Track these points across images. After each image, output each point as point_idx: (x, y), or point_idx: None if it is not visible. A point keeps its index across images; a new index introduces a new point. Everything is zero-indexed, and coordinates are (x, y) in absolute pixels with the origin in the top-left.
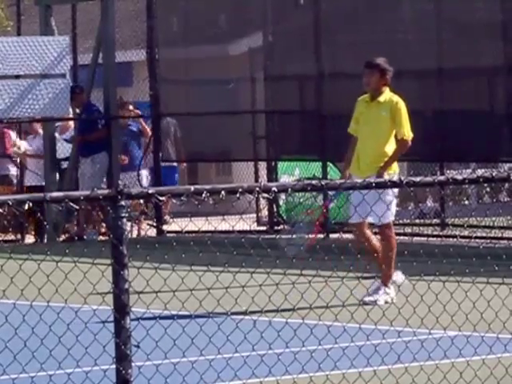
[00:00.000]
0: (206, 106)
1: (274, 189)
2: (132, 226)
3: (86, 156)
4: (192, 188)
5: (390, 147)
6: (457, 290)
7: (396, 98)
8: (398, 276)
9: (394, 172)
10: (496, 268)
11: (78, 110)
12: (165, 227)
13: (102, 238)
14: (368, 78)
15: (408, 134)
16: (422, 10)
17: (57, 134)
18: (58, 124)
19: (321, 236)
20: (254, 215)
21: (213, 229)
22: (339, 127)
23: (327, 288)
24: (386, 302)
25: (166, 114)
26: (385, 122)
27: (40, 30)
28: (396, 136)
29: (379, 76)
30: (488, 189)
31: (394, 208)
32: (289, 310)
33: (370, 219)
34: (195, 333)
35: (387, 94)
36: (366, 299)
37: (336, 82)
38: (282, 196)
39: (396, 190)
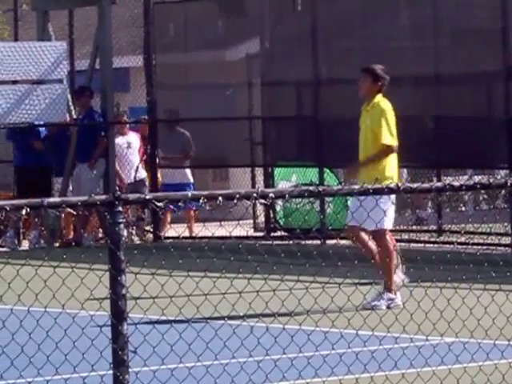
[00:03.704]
0: (203, 112)
1: (272, 195)
2: (130, 233)
3: (84, 161)
4: (189, 194)
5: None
6: (454, 297)
7: (382, 106)
8: (397, 277)
9: (392, 179)
10: (493, 274)
11: (74, 113)
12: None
13: (99, 243)
14: (361, 83)
15: (384, 138)
16: (419, 16)
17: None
18: None
19: None
20: (251, 221)
21: (210, 234)
22: (336, 133)
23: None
24: (388, 308)
25: (162, 120)
26: (369, 131)
27: (37, 35)
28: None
29: (371, 81)
30: (485, 195)
31: (391, 215)
32: (286, 315)
33: (365, 225)
34: (192, 338)
35: (376, 102)
36: (368, 305)
37: (333, 88)
38: (279, 202)
39: (393, 198)
